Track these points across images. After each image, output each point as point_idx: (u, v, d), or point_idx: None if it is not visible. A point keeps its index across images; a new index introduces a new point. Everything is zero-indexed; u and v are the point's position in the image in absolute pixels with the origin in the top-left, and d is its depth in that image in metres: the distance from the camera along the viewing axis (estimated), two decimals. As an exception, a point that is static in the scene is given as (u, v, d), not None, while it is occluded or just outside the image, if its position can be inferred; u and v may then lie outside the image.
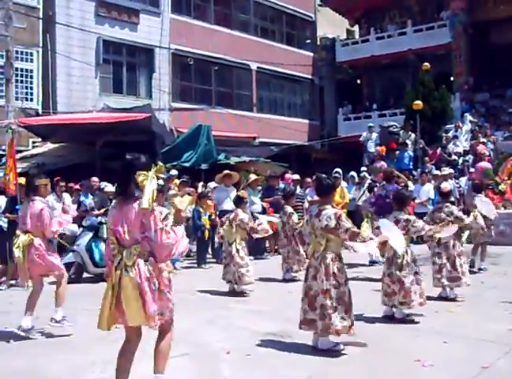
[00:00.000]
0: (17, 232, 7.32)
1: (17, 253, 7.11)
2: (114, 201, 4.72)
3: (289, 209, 11.36)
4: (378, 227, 7.71)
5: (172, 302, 4.62)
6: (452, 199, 15.20)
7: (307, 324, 6.21)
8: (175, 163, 16.60)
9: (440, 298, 8.83)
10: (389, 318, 7.51)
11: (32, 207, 7.15)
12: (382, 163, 16.83)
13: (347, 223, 6.15)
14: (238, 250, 9.85)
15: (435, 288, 8.91)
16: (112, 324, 4.52)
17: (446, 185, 9.78)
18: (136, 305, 4.37)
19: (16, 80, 19.23)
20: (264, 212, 14.27)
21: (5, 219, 11.06)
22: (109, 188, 11.68)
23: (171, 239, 4.41)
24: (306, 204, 14.39)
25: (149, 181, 4.43)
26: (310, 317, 6.18)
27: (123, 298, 4.40)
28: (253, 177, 14.95)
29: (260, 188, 15.55)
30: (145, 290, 4.36)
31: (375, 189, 12.49)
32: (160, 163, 4.71)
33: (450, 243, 8.90)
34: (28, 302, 7.10)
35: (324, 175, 6.78)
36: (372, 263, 12.11)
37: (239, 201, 10.41)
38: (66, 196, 12.94)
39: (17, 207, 11.17)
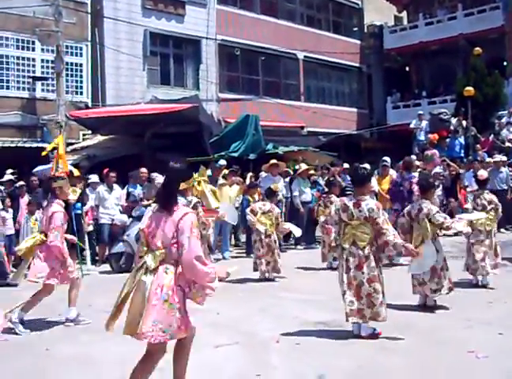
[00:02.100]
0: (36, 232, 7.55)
1: (23, 247, 7.30)
2: (154, 206, 4.65)
3: (334, 199, 11.27)
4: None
5: (182, 321, 4.22)
6: (505, 187, 14.93)
7: (356, 315, 6.15)
8: (222, 154, 16.62)
9: (473, 285, 8.82)
10: (422, 307, 7.50)
11: (48, 209, 7.29)
12: (434, 150, 16.51)
13: (385, 215, 6.30)
14: (275, 241, 10.07)
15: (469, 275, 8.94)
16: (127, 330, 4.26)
17: (483, 173, 9.69)
18: (137, 312, 4.16)
19: (67, 74, 19.53)
20: (313, 201, 14.35)
21: None
22: (159, 179, 11.77)
23: (200, 250, 4.24)
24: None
25: (205, 188, 4.48)
26: (357, 307, 6.13)
27: (131, 302, 4.26)
28: (303, 166, 14.88)
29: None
30: (152, 297, 4.15)
31: (393, 177, 12.46)
32: (202, 167, 4.77)
33: (492, 231, 8.82)
34: (69, 295, 7.22)
35: (359, 165, 6.78)
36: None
37: (270, 194, 10.44)
38: (117, 187, 13.08)
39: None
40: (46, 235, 7.14)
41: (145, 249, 4.39)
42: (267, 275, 10.01)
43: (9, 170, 13.77)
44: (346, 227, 6.28)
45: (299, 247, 14.29)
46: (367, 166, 14.63)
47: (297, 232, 11.21)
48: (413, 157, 17.26)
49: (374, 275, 6.09)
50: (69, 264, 7.23)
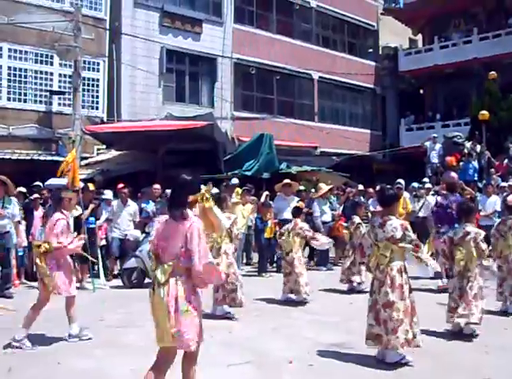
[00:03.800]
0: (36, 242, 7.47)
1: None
2: (162, 217, 4.72)
3: (357, 220, 11.22)
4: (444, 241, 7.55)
5: (200, 326, 4.45)
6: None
7: (373, 339, 6.12)
8: (236, 172, 16.67)
9: (502, 312, 8.59)
10: (455, 334, 7.25)
11: (52, 218, 7.22)
12: (453, 174, 16.40)
13: (412, 235, 6.11)
14: (297, 259, 9.86)
15: (498, 303, 8.69)
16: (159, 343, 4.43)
17: None
18: (163, 325, 4.30)
19: (83, 89, 19.76)
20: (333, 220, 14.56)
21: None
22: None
23: (209, 256, 4.39)
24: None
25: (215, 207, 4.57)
26: (376, 332, 6.08)
27: (154, 317, 4.41)
28: (324, 187, 14.85)
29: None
30: (170, 310, 4.28)
31: (438, 199, 12.26)
32: (209, 184, 4.80)
33: (510, 257, 8.67)
34: (68, 313, 7.12)
35: (387, 186, 6.71)
36: (436, 275, 11.82)
37: (297, 212, 10.44)
38: (132, 203, 13.08)
39: (83, 212, 11.51)
40: (49, 243, 7.03)
41: (155, 262, 4.48)
42: (294, 297, 9.81)
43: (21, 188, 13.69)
44: (374, 249, 6.26)
45: (323, 268, 14.15)
46: (401, 184, 14.71)
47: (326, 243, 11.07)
48: (426, 179, 17.25)
49: (387, 300, 6.00)
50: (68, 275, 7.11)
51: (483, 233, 7.50)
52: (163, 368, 4.43)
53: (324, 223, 14.43)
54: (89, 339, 7.05)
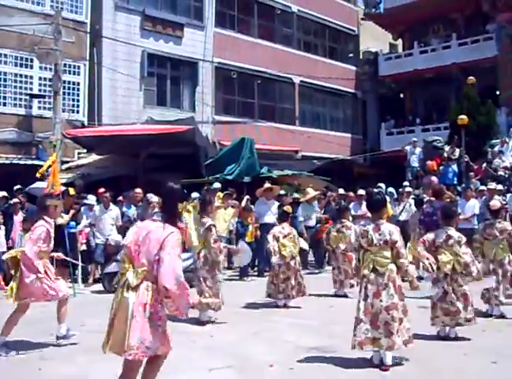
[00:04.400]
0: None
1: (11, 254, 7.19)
2: (141, 222, 4.73)
3: (348, 223, 11.26)
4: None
5: (164, 337, 4.37)
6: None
7: (371, 343, 6.05)
8: (217, 176, 16.67)
9: (486, 315, 8.67)
10: (442, 338, 7.31)
11: (36, 225, 7.08)
12: (434, 178, 16.52)
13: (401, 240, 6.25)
14: (299, 263, 9.99)
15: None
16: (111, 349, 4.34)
17: (496, 203, 9.51)
18: (121, 330, 4.21)
19: (64, 93, 19.65)
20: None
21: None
22: (154, 199, 11.76)
23: (179, 270, 4.29)
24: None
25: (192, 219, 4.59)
26: (372, 336, 6.04)
27: (115, 320, 4.32)
28: (312, 192, 14.92)
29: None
30: (135, 315, 4.20)
31: (424, 207, 12.30)
32: (195, 201, 4.86)
33: (506, 260, 8.75)
34: (58, 312, 7.11)
35: (375, 190, 6.78)
36: (420, 279, 11.90)
37: (285, 216, 10.35)
38: (114, 207, 13.01)
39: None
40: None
41: (127, 266, 4.43)
42: (292, 299, 9.79)
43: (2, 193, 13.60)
44: (365, 253, 6.26)
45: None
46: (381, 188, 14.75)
47: (306, 246, 11.18)
48: (406, 183, 17.37)
49: (392, 303, 6.03)
50: (50, 280, 6.98)
51: (464, 238, 7.55)
52: (131, 376, 4.38)
53: (308, 227, 14.46)
54: (74, 343, 7.03)
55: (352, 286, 10.49)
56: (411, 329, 6.17)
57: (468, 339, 7.18)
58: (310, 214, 14.72)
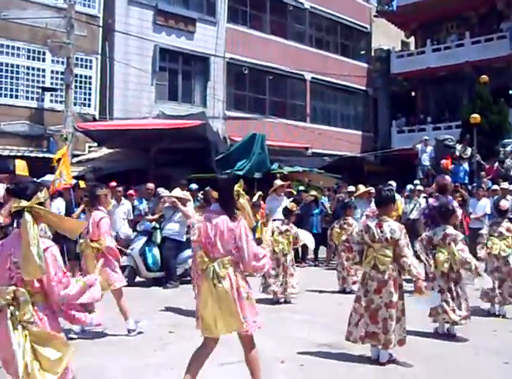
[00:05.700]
0: (81, 241, 7.46)
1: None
2: (204, 215, 5.12)
3: (350, 220, 11.25)
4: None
5: (256, 311, 4.87)
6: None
7: (369, 337, 6.11)
8: (228, 171, 16.65)
9: (490, 314, 8.67)
10: (442, 335, 7.32)
11: (93, 217, 7.28)
12: (447, 177, 16.43)
13: (407, 239, 6.14)
14: (291, 260, 9.89)
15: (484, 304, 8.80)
16: (227, 331, 4.80)
17: (505, 204, 9.47)
18: (231, 312, 4.69)
19: (75, 86, 19.68)
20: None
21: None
22: (166, 193, 11.76)
23: (256, 250, 4.87)
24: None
25: (245, 202, 5.25)
26: (371, 331, 6.08)
27: (218, 308, 4.72)
28: (362, 188, 14.71)
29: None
30: (235, 298, 4.70)
31: (430, 201, 12.25)
32: (241, 181, 5.19)
33: (510, 257, 8.70)
34: (120, 308, 7.32)
35: (384, 187, 6.74)
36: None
37: (288, 213, 10.31)
38: (126, 201, 13.01)
39: (74, 209, 11.49)
40: (95, 241, 7.15)
41: (206, 259, 4.81)
42: (280, 296, 9.79)
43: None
44: (368, 249, 6.26)
45: (303, 264, 14.30)
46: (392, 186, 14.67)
47: (311, 243, 11.09)
48: (417, 182, 17.29)
49: (391, 300, 6.03)
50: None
51: (461, 235, 7.54)
52: (208, 353, 4.89)
53: None
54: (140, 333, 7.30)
55: (354, 282, 10.49)
56: (406, 329, 6.20)
57: (479, 340, 7.14)
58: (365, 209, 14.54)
